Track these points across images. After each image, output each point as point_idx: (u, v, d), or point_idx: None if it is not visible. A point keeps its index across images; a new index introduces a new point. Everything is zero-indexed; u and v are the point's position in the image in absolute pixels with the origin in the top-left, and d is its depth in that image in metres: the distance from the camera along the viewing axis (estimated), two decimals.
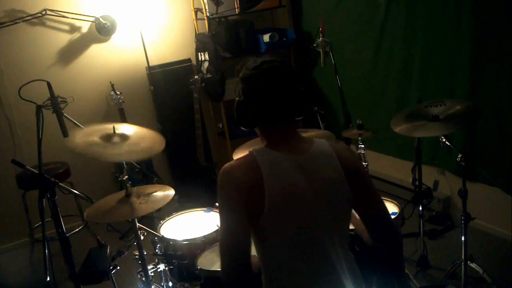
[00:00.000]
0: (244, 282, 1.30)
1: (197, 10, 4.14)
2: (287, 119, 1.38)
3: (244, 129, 1.43)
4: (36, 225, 3.74)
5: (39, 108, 2.23)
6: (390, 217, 1.50)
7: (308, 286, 1.35)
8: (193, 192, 3.82)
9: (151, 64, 4.07)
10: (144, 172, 3.48)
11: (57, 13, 3.72)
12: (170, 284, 2.37)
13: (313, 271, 1.35)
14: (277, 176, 1.30)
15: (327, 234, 1.35)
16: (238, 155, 2.08)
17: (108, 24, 3.88)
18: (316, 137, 1.46)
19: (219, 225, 1.31)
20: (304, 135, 1.45)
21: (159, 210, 2.14)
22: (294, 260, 1.34)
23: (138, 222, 2.20)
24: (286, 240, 1.33)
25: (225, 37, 3.99)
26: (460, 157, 2.21)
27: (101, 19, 3.83)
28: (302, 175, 1.32)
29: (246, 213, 1.28)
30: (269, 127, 1.39)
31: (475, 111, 2.26)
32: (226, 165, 1.34)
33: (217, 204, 1.40)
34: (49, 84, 2.83)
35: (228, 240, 1.30)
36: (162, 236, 2.30)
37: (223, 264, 1.30)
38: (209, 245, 2.19)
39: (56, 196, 1.92)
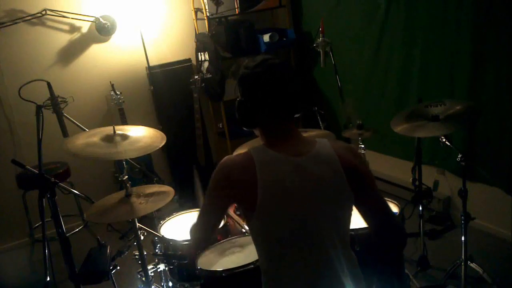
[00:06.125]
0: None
1: (197, 10, 4.14)
2: (287, 117, 1.39)
3: (245, 129, 1.44)
4: (36, 225, 3.75)
5: (39, 108, 2.21)
6: (393, 216, 1.49)
7: (307, 286, 1.34)
8: (193, 192, 3.83)
9: (151, 64, 4.06)
10: (144, 172, 3.48)
11: (57, 13, 3.72)
12: (170, 284, 2.36)
13: (312, 271, 1.34)
14: (271, 175, 1.30)
15: (326, 234, 1.34)
16: None
17: (108, 24, 3.88)
18: (316, 137, 1.45)
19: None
20: (304, 135, 1.45)
21: (159, 210, 2.14)
22: (292, 260, 1.34)
23: (138, 222, 2.20)
24: (281, 240, 1.33)
25: (225, 37, 3.98)
26: (460, 157, 2.21)
27: (101, 19, 3.83)
28: (298, 176, 1.31)
29: (226, 211, 1.45)
30: (269, 127, 1.39)
31: (475, 111, 2.26)
32: (225, 160, 1.36)
33: None
34: (49, 84, 2.83)
35: (198, 225, 1.49)
36: (162, 236, 2.30)
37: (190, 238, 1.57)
38: (209, 245, 2.18)
39: (56, 196, 1.92)
